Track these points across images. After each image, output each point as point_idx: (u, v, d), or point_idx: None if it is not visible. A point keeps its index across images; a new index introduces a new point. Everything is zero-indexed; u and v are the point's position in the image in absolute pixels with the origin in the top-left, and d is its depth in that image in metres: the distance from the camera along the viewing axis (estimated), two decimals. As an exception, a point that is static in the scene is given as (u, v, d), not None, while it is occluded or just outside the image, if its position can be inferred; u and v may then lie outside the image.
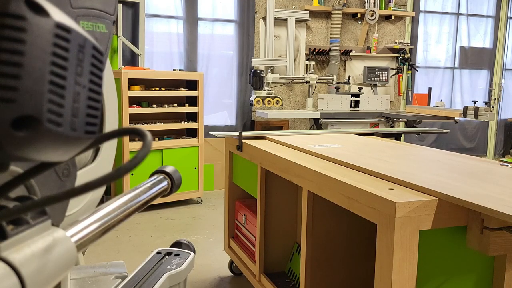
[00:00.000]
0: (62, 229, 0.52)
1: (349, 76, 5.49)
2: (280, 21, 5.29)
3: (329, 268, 1.87)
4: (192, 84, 4.47)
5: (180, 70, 4.48)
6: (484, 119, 4.21)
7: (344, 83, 5.38)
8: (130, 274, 1.31)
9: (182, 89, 4.42)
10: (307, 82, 5.12)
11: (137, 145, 4.09)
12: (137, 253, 3.23)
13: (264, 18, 5.29)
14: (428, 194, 1.31)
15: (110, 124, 1.23)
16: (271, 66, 5.15)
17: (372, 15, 5.63)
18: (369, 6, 5.62)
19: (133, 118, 4.23)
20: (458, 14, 6.46)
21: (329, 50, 5.53)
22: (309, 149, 2.07)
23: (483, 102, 4.81)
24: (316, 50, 5.49)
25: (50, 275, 0.46)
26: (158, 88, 4.23)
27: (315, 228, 1.82)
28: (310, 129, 5.41)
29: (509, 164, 1.82)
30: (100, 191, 1.23)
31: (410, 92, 6.04)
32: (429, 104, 5.45)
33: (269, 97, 4.75)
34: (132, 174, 4.11)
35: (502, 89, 6.75)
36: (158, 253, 1.50)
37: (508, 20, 6.70)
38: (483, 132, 6.72)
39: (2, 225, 0.44)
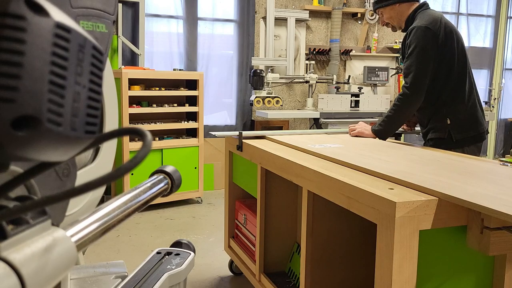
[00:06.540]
0: (62, 229, 0.52)
1: (349, 76, 5.49)
2: (280, 21, 5.29)
3: (329, 268, 1.87)
4: (192, 84, 4.47)
5: (180, 70, 4.48)
6: (484, 119, 4.20)
7: (344, 83, 5.38)
8: (130, 274, 1.31)
9: (182, 89, 4.42)
10: (307, 82, 5.12)
11: (137, 145, 4.09)
12: (137, 253, 3.23)
13: (264, 18, 5.29)
14: (428, 194, 1.31)
15: (110, 124, 1.23)
16: (271, 66, 5.15)
17: (372, 15, 5.63)
18: (369, 6, 5.61)
19: (133, 118, 4.23)
20: (458, 14, 6.45)
21: (329, 50, 5.53)
22: (309, 149, 2.07)
23: (483, 102, 4.81)
24: (316, 50, 5.49)
25: (50, 275, 0.46)
26: (158, 88, 4.23)
27: (315, 228, 1.82)
28: (310, 129, 5.41)
29: (509, 164, 1.83)
30: (100, 191, 1.23)
31: (410, 92, 6.03)
32: (429, 104, 5.45)
33: (269, 97, 4.75)
34: (132, 174, 4.11)
35: (502, 89, 6.74)
36: (158, 253, 1.50)
37: (508, 20, 6.70)
38: (483, 132, 6.71)
39: (2, 225, 0.44)
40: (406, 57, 2.41)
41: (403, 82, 2.44)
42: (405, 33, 2.50)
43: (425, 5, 2.52)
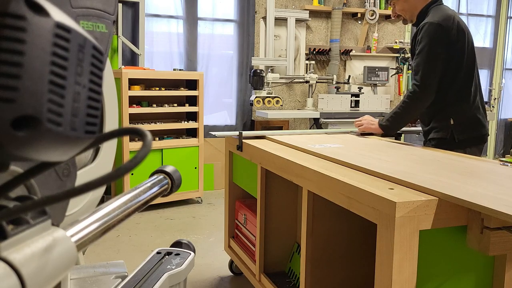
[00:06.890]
0: (62, 229, 0.52)
1: (349, 76, 5.49)
2: (280, 21, 5.29)
3: (329, 268, 1.87)
4: (192, 84, 4.47)
5: (180, 70, 4.48)
6: (484, 119, 4.19)
7: (344, 83, 5.38)
8: (130, 274, 1.31)
9: (182, 89, 4.42)
10: (307, 82, 5.12)
11: (137, 145, 4.09)
12: (137, 253, 3.23)
13: (264, 18, 5.29)
14: (428, 193, 1.31)
15: (110, 124, 1.23)
16: (271, 66, 5.15)
17: (372, 15, 5.63)
18: (369, 6, 5.62)
19: (133, 118, 4.23)
20: (458, 14, 6.45)
21: (329, 49, 5.52)
22: (309, 149, 2.07)
23: (483, 102, 4.80)
24: (316, 50, 5.49)
25: (50, 275, 0.46)
26: (158, 88, 4.23)
27: (315, 228, 1.82)
28: (310, 129, 5.41)
29: (509, 164, 1.82)
30: (100, 191, 1.23)
31: (410, 92, 6.03)
32: (429, 104, 5.44)
33: (269, 96, 4.75)
34: (132, 174, 4.11)
35: (502, 89, 6.74)
36: (158, 252, 1.50)
37: (508, 20, 6.70)
38: (483, 132, 6.71)
39: (2, 225, 0.44)
40: (417, 53, 2.38)
41: (413, 80, 2.41)
42: (416, 29, 2.48)
43: (439, 0, 2.50)
